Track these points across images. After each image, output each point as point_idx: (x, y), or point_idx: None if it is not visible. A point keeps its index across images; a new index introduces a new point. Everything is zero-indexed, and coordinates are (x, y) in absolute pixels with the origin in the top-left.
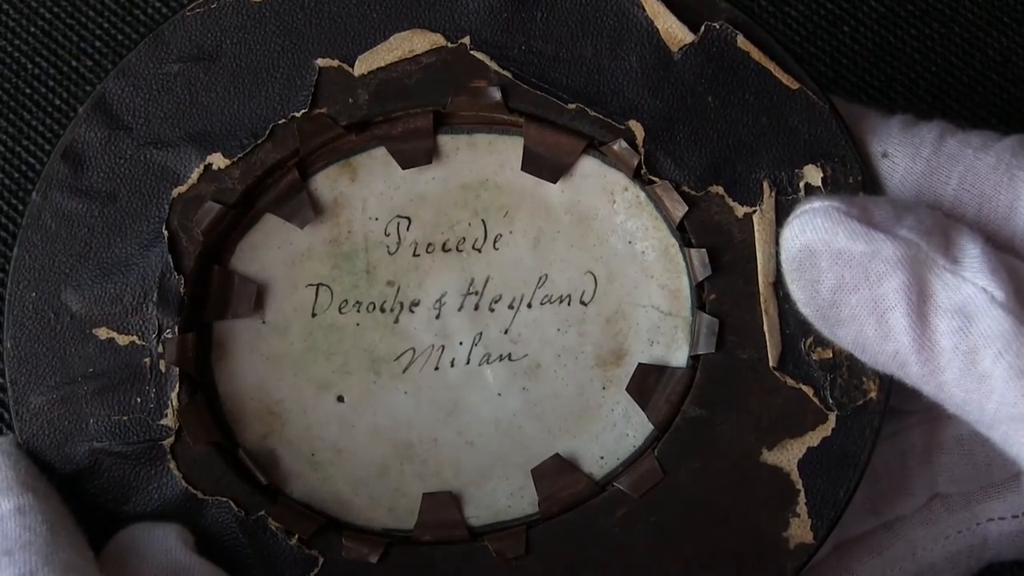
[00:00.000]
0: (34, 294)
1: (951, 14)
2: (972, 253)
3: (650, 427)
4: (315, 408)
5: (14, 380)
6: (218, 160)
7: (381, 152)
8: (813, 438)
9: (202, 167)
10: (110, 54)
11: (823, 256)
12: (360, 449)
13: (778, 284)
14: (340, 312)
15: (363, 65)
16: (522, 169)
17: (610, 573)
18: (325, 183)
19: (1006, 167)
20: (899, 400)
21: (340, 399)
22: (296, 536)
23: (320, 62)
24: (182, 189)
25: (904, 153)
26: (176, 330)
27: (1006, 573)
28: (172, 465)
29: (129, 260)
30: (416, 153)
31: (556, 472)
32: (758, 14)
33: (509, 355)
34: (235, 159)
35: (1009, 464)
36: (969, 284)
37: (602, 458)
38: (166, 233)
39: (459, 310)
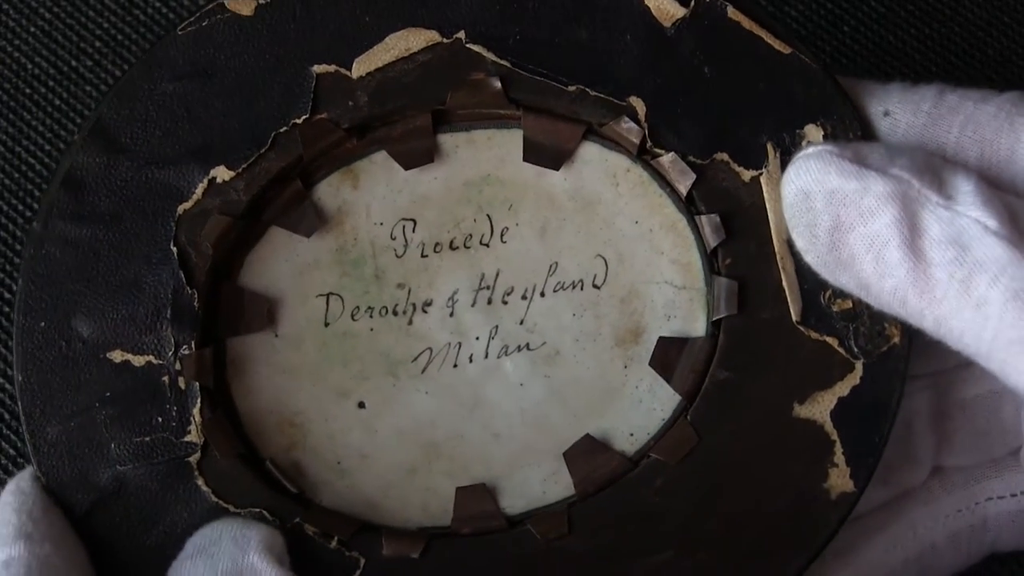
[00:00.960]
0: (43, 324)
1: (951, 14)
2: (965, 189)
3: (676, 399)
4: (336, 416)
5: (28, 413)
6: (222, 173)
7: (381, 156)
8: (843, 388)
9: (206, 181)
10: (110, 54)
11: (817, 197)
12: (385, 453)
13: (792, 241)
14: (353, 319)
15: (360, 67)
16: (524, 159)
17: (654, 542)
18: (328, 192)
19: (1007, 114)
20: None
21: (361, 405)
22: (335, 538)
23: (317, 68)
24: (187, 205)
25: (905, 109)
26: (193, 345)
27: (1006, 572)
28: (200, 481)
29: (138, 280)
30: (417, 153)
31: (588, 453)
32: None
33: (527, 345)
34: (239, 170)
35: (1010, 437)
36: (962, 216)
37: (632, 435)
38: (175, 250)
39: (472, 306)
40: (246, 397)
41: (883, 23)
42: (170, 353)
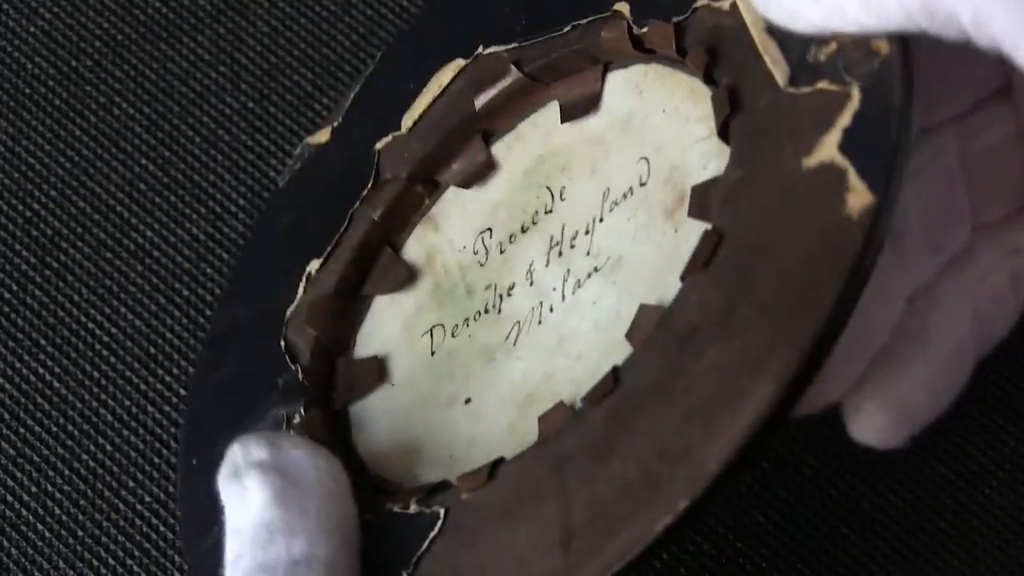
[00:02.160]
0: (194, 461)
1: None
2: None
3: None
4: (448, 423)
5: (186, 538)
6: (314, 266)
7: (450, 193)
8: (844, 119)
9: (304, 281)
10: (110, 54)
11: None
12: (491, 428)
13: (773, 29)
14: (453, 337)
15: (408, 120)
16: (562, 122)
17: (696, 349)
18: (414, 246)
19: None
20: (926, 115)
21: (467, 401)
22: (413, 501)
23: (378, 145)
24: (292, 308)
25: None
26: (302, 411)
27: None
28: None
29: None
30: (478, 173)
31: (647, 322)
32: None
33: (595, 269)
34: (325, 256)
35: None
36: None
37: None
38: (283, 344)
39: (547, 266)
40: (371, 448)
41: None
42: (283, 427)
